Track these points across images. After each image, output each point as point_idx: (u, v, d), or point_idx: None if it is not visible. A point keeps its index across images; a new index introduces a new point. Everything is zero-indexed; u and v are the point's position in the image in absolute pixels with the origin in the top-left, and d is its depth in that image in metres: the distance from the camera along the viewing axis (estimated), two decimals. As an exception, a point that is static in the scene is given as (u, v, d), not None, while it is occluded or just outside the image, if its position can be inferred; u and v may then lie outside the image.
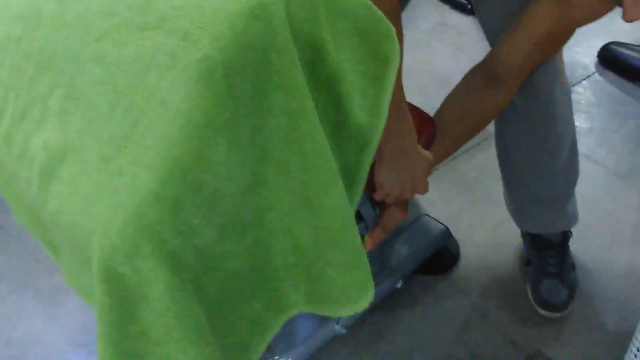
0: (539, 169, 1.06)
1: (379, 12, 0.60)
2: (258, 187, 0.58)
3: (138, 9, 0.56)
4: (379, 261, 1.10)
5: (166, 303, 0.53)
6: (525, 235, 1.21)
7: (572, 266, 1.19)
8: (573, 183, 1.12)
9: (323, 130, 0.59)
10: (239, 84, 0.53)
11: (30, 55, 0.63)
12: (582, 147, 1.45)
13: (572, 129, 1.07)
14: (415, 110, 0.89)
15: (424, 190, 0.87)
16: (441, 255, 1.24)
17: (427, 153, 0.85)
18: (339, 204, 0.61)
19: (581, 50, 1.78)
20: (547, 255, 1.16)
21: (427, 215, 1.25)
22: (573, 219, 1.16)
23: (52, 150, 0.58)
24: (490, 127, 1.52)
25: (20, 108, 0.62)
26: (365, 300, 0.67)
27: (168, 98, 0.52)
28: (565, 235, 1.18)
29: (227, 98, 0.52)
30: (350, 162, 0.67)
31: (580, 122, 1.55)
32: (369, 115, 0.65)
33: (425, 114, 0.92)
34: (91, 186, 0.54)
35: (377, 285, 1.08)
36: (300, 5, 0.54)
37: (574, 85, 1.69)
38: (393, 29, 0.62)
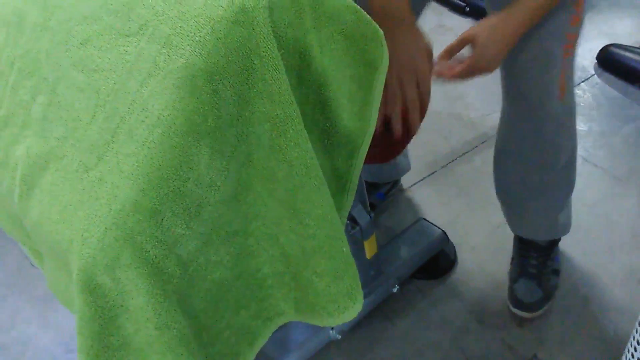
0: (529, 178, 1.05)
1: (366, 16, 0.59)
2: (243, 195, 0.57)
3: (120, 15, 0.55)
4: (375, 265, 1.09)
5: (147, 314, 0.52)
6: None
7: (555, 272, 1.18)
8: (567, 194, 1.11)
9: (309, 137, 0.58)
10: (222, 90, 0.52)
11: (13, 62, 0.62)
12: (580, 149, 1.45)
13: (571, 143, 1.04)
14: None
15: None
16: (438, 260, 1.23)
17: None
18: (325, 212, 0.60)
19: (580, 53, 1.77)
20: (530, 256, 1.15)
21: (424, 219, 1.25)
22: (563, 228, 1.15)
23: (33, 157, 0.57)
24: (489, 130, 1.52)
25: (2, 115, 0.61)
26: (353, 310, 0.66)
27: (149, 105, 0.51)
28: (553, 241, 1.17)
29: (209, 105, 0.52)
30: (340, 168, 0.66)
31: (579, 124, 1.54)
32: (358, 120, 0.64)
33: None
34: (72, 195, 0.54)
35: (373, 290, 1.08)
36: (284, 10, 0.53)
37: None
38: (381, 32, 0.61)
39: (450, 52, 0.86)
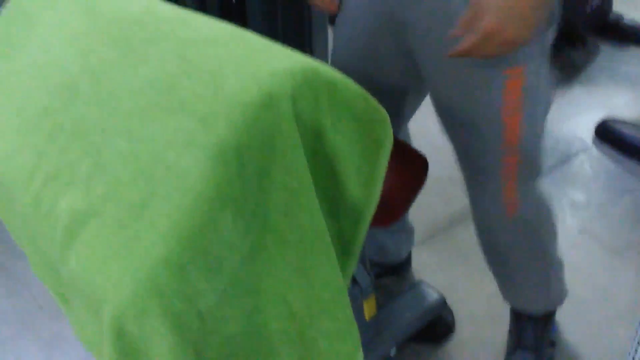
0: (511, 259, 1.05)
1: (374, 102, 0.67)
2: (258, 255, 0.64)
3: (164, 93, 0.63)
4: (374, 327, 1.12)
5: None
6: None
7: (552, 343, 1.19)
8: (556, 271, 1.10)
9: (320, 205, 0.65)
10: (247, 163, 0.59)
11: (64, 126, 0.70)
12: (578, 221, 1.50)
13: (543, 244, 1.03)
14: (407, 147, 0.92)
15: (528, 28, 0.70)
16: (436, 324, 1.26)
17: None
18: (331, 276, 0.67)
19: (579, 124, 1.85)
20: (526, 327, 1.16)
21: (423, 282, 1.29)
22: (557, 299, 1.15)
23: (76, 212, 0.64)
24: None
25: (51, 172, 0.69)
26: None
27: (185, 174, 0.59)
28: (548, 312, 1.18)
29: (236, 176, 0.59)
30: (346, 233, 0.73)
31: (576, 195, 1.60)
32: (364, 191, 0.71)
33: (417, 151, 0.92)
34: (109, 248, 0.60)
35: (371, 352, 1.11)
36: (304, 98, 0.61)
37: (570, 158, 1.74)
38: (387, 115, 0.69)
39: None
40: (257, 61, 0.62)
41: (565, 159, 1.71)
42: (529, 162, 0.93)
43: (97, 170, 0.65)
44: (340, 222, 0.72)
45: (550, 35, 0.91)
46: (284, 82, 0.60)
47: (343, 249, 0.73)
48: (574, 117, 1.88)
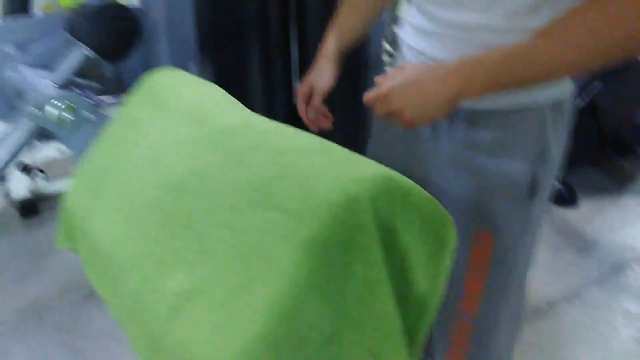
0: None
1: (440, 207, 0.77)
2: (337, 337, 0.72)
3: (262, 192, 0.75)
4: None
5: None
6: None
7: None
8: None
9: (392, 296, 0.74)
10: (333, 256, 0.69)
11: (172, 217, 0.82)
12: (633, 330, 1.51)
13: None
14: None
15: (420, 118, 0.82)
16: None
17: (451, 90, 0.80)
18: (402, 358, 0.74)
19: (631, 233, 1.88)
20: None
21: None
22: None
23: (182, 291, 0.75)
24: (542, 304, 1.61)
25: (160, 257, 0.81)
26: None
27: (279, 262, 0.69)
28: None
29: (323, 266, 0.69)
30: (411, 324, 0.81)
31: (631, 305, 1.61)
32: (430, 286, 0.79)
33: None
34: (212, 323, 0.70)
35: None
36: (382, 201, 0.72)
37: (623, 268, 1.77)
38: (451, 219, 0.78)
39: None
40: (342, 169, 0.74)
41: (618, 268, 1.73)
42: (484, 330, 0.95)
43: (201, 256, 0.76)
44: (407, 313, 0.80)
45: (542, 207, 0.97)
46: (365, 187, 0.71)
47: (408, 338, 0.81)
48: (625, 226, 1.92)
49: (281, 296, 0.68)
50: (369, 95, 0.85)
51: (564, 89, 0.93)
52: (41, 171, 2.80)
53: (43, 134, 1.30)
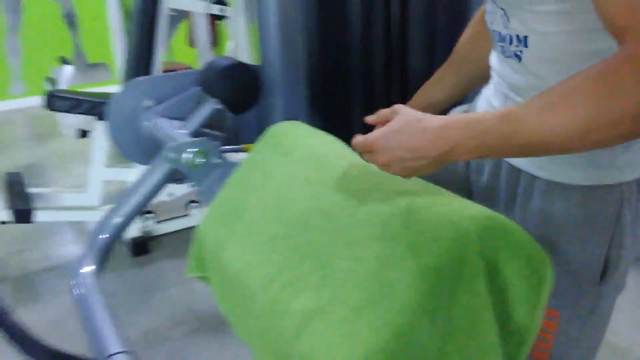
0: None
1: (539, 246, 0.86)
2: (443, 357, 0.81)
3: (380, 227, 0.87)
4: None
5: None
6: None
7: None
8: None
9: (494, 324, 0.82)
10: (442, 283, 0.79)
11: (298, 248, 0.95)
12: None
13: None
14: None
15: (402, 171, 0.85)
16: None
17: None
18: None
19: None
20: None
21: None
22: None
23: (308, 310, 0.87)
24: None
25: (287, 281, 0.93)
26: None
27: (395, 287, 0.80)
28: None
29: (434, 292, 0.79)
30: (510, 353, 0.88)
31: None
32: (528, 319, 0.87)
33: None
34: (335, 338, 0.81)
35: None
36: (487, 238, 0.81)
37: None
38: (548, 258, 0.86)
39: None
40: (452, 208, 0.84)
41: None
42: None
43: (325, 280, 0.88)
44: (507, 342, 0.88)
45: (616, 288, 0.98)
46: (474, 225, 0.81)
47: (508, 366, 0.88)
48: None
49: (396, 316, 0.78)
50: (356, 142, 0.87)
51: None
52: (151, 213, 3.06)
53: (172, 178, 1.49)
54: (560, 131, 0.72)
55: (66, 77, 3.51)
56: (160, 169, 1.40)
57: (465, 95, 1.26)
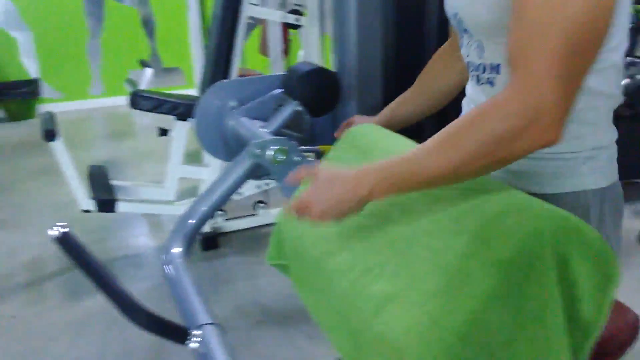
0: None
1: (608, 246, 0.90)
2: (511, 344, 0.87)
3: (456, 221, 0.94)
4: None
5: None
6: None
7: None
8: None
9: (562, 316, 0.87)
10: (514, 274, 0.85)
11: (376, 238, 1.03)
12: None
13: None
14: (619, 303, 1.08)
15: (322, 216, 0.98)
16: None
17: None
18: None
19: None
20: None
21: None
22: None
23: (385, 294, 0.94)
24: None
25: (365, 267, 1.01)
26: None
27: (469, 275, 0.87)
28: None
29: (507, 284, 0.85)
30: (575, 346, 0.93)
31: None
32: (594, 315, 0.91)
33: (628, 308, 1.10)
34: (410, 320, 0.89)
35: None
36: (559, 235, 0.87)
37: None
38: (615, 257, 0.91)
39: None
40: (527, 206, 0.91)
41: None
42: None
43: (402, 268, 0.96)
44: (573, 335, 0.93)
45: None
46: (547, 223, 0.87)
47: (573, 358, 0.93)
48: None
49: (472, 303, 0.85)
50: (292, 206, 1.02)
51: (607, 174, 1.04)
52: (222, 210, 3.20)
53: (253, 174, 1.59)
54: (445, 167, 0.87)
55: (147, 78, 3.71)
56: (244, 164, 1.52)
57: (427, 114, 1.42)
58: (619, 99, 1.03)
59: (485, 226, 0.91)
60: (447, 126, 0.88)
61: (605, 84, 0.98)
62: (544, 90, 0.78)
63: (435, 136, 0.89)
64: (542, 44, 0.78)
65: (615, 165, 1.07)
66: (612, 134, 1.05)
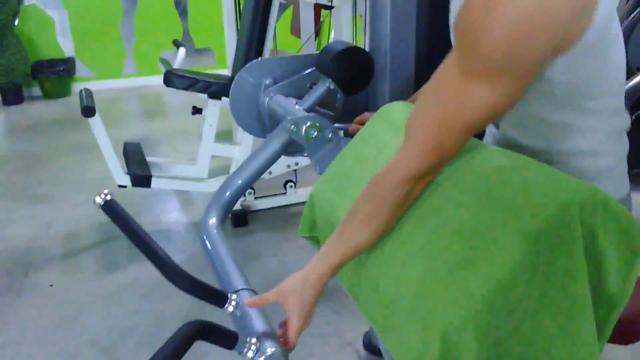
0: None
1: (634, 220, 0.92)
2: (537, 313, 0.90)
3: (486, 195, 0.97)
4: None
5: None
6: None
7: None
8: None
9: (588, 288, 0.90)
10: (542, 245, 0.88)
11: (407, 210, 1.07)
12: None
13: None
14: None
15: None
16: None
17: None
18: (591, 338, 0.90)
19: None
20: None
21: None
22: None
23: (415, 262, 0.98)
24: None
25: (395, 237, 1.05)
26: None
27: (498, 244, 0.90)
28: None
29: (533, 252, 0.88)
30: (600, 318, 0.96)
31: None
32: (620, 288, 0.94)
33: None
34: (439, 286, 0.92)
35: None
36: (587, 208, 0.89)
37: None
38: None
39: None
40: (556, 180, 0.93)
41: None
42: None
43: (432, 238, 0.99)
44: (598, 308, 0.95)
45: None
46: (575, 195, 0.89)
47: (598, 330, 0.96)
48: None
49: (500, 271, 0.88)
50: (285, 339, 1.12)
51: (619, 188, 1.11)
52: (251, 189, 3.26)
53: (287, 150, 1.64)
54: (360, 238, 1.05)
55: (180, 59, 3.77)
56: (279, 140, 1.56)
57: None
58: (626, 121, 1.11)
59: (514, 198, 0.93)
60: (354, 202, 1.07)
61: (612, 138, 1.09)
62: (424, 160, 0.99)
63: (349, 213, 1.07)
64: (423, 121, 0.97)
65: (627, 179, 1.13)
66: (621, 152, 1.12)
